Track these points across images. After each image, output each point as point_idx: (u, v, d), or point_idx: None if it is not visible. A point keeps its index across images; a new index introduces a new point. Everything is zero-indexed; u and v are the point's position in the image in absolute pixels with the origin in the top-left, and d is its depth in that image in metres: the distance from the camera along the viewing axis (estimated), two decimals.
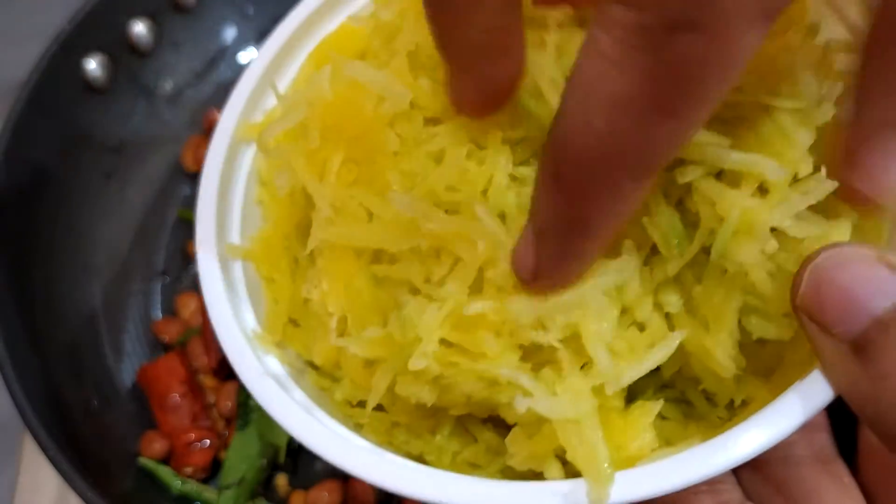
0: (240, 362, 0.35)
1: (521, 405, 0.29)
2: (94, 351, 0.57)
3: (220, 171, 0.40)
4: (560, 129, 0.25)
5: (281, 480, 0.53)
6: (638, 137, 0.23)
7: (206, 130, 0.66)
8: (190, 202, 0.64)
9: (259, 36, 0.70)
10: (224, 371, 0.56)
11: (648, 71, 0.21)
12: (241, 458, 0.52)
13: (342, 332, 0.34)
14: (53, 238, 0.58)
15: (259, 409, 0.53)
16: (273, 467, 0.53)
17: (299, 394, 0.34)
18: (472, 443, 0.35)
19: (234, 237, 0.40)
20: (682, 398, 0.34)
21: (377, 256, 0.33)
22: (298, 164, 0.34)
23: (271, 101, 0.41)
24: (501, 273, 0.30)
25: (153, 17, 0.65)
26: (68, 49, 0.60)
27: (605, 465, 0.28)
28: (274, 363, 0.36)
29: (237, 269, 0.38)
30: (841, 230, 0.30)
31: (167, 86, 0.67)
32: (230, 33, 0.69)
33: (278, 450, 0.52)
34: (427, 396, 0.31)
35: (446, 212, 0.32)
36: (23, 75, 0.58)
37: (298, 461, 0.54)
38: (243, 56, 0.69)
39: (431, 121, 0.34)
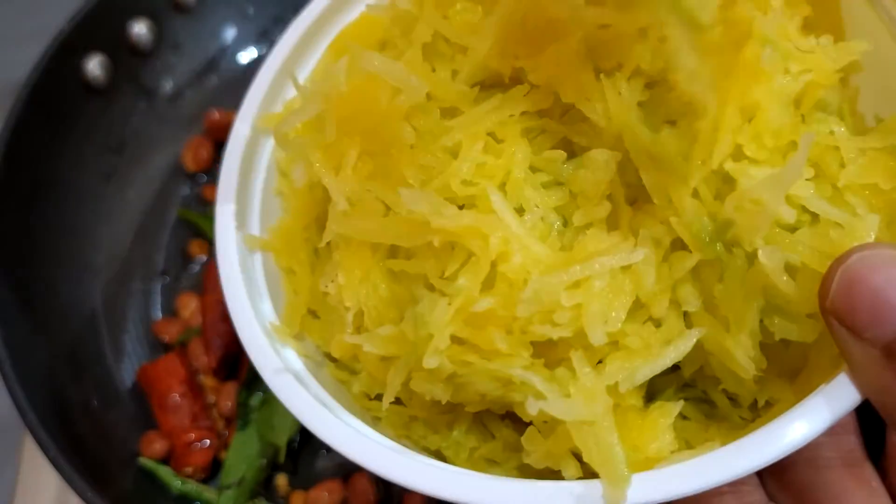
0: (258, 357, 0.35)
1: (533, 408, 0.29)
2: (95, 351, 0.57)
3: (240, 162, 0.39)
4: None
5: (281, 480, 0.53)
6: None
7: (207, 130, 0.65)
8: (190, 202, 0.64)
9: (259, 36, 0.70)
10: (224, 371, 0.56)
11: None
12: (241, 458, 0.52)
13: (359, 326, 0.34)
14: (53, 238, 0.58)
15: (259, 409, 0.53)
16: (273, 467, 0.53)
17: (317, 388, 0.34)
18: (489, 439, 0.35)
19: (254, 228, 0.39)
20: (705, 398, 0.33)
21: (393, 251, 0.33)
22: (315, 157, 0.34)
23: (292, 92, 0.41)
24: (514, 267, 0.30)
25: (153, 17, 0.65)
26: (68, 49, 0.60)
27: (622, 466, 0.28)
28: (292, 356, 0.36)
29: (256, 260, 0.38)
30: (868, 223, 0.29)
31: (167, 86, 0.67)
32: (230, 33, 0.69)
33: (278, 450, 0.52)
34: (441, 394, 0.31)
35: (462, 206, 0.32)
36: (23, 75, 0.58)
37: (298, 461, 0.54)
38: (243, 56, 0.69)
39: (448, 112, 0.33)
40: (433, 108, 0.33)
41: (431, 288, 0.32)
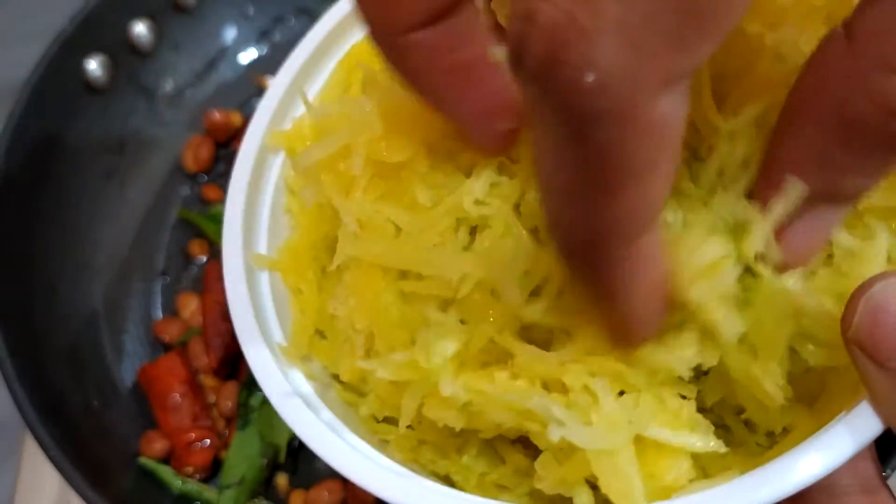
0: (266, 380, 0.34)
1: (555, 434, 0.28)
2: (95, 351, 0.57)
3: (248, 179, 0.39)
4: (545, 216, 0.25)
5: (281, 480, 0.53)
6: (601, 215, 0.23)
7: (207, 131, 0.66)
8: (190, 202, 0.64)
9: (259, 36, 0.70)
10: (224, 371, 0.56)
11: (580, 160, 0.22)
12: (242, 457, 0.52)
13: (369, 349, 0.34)
14: (53, 238, 0.58)
15: (259, 409, 0.53)
16: (273, 467, 0.53)
17: (326, 412, 0.34)
18: (500, 464, 0.35)
19: (262, 246, 0.39)
20: (720, 422, 0.33)
21: (404, 271, 0.33)
22: (326, 180, 0.34)
23: (300, 109, 0.41)
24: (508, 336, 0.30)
25: (153, 18, 0.65)
26: (69, 49, 0.60)
27: (640, 499, 0.28)
28: (299, 378, 0.35)
29: (264, 278, 0.38)
30: (877, 246, 0.29)
31: (167, 86, 0.67)
32: (230, 33, 0.69)
33: (278, 449, 0.53)
34: (455, 422, 0.31)
35: (474, 228, 0.31)
36: (23, 75, 0.58)
37: (299, 461, 0.54)
38: (243, 56, 0.70)
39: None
40: (448, 129, 0.33)
41: (444, 308, 0.31)
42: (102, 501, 0.46)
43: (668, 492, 0.29)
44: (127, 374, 0.58)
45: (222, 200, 0.63)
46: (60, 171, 0.60)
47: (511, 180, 0.32)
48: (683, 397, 0.30)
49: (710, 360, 0.30)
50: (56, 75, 0.59)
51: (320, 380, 0.36)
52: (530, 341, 0.32)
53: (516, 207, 0.32)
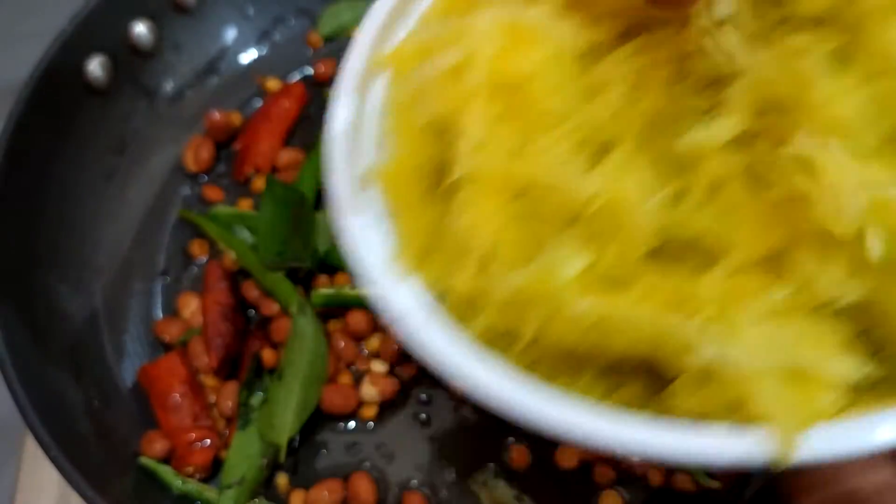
0: (382, 296, 0.33)
1: (705, 354, 0.27)
2: (95, 351, 0.57)
3: (352, 99, 0.38)
4: None
5: (281, 480, 0.53)
6: None
7: (207, 131, 0.66)
8: (190, 202, 0.64)
9: (259, 36, 0.70)
10: (225, 371, 0.56)
11: None
12: (242, 457, 0.52)
13: (485, 266, 0.32)
14: (53, 238, 0.58)
15: (259, 409, 0.53)
16: (273, 467, 0.53)
17: (443, 329, 0.32)
18: (619, 386, 0.33)
19: (365, 166, 0.38)
20: (874, 351, 0.31)
21: (523, 191, 0.32)
22: (440, 97, 0.33)
23: (404, 31, 0.40)
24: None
25: (153, 18, 0.65)
26: (69, 50, 0.60)
27: (792, 422, 0.27)
28: (411, 295, 0.34)
29: (368, 197, 0.37)
30: None
31: (168, 86, 0.67)
32: (230, 34, 0.69)
33: (279, 449, 0.53)
34: (579, 343, 0.30)
35: (599, 151, 0.30)
36: (23, 76, 0.58)
37: (299, 461, 0.54)
38: (244, 56, 0.69)
39: (587, 55, 0.32)
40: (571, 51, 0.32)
41: (566, 229, 0.30)
42: (102, 501, 0.46)
43: (821, 416, 0.27)
44: (127, 374, 0.58)
45: (223, 200, 0.63)
46: (61, 171, 0.60)
47: (637, 105, 0.31)
48: None
49: (855, 290, 0.28)
50: (56, 75, 0.59)
51: (427, 297, 0.35)
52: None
53: (642, 133, 0.31)
